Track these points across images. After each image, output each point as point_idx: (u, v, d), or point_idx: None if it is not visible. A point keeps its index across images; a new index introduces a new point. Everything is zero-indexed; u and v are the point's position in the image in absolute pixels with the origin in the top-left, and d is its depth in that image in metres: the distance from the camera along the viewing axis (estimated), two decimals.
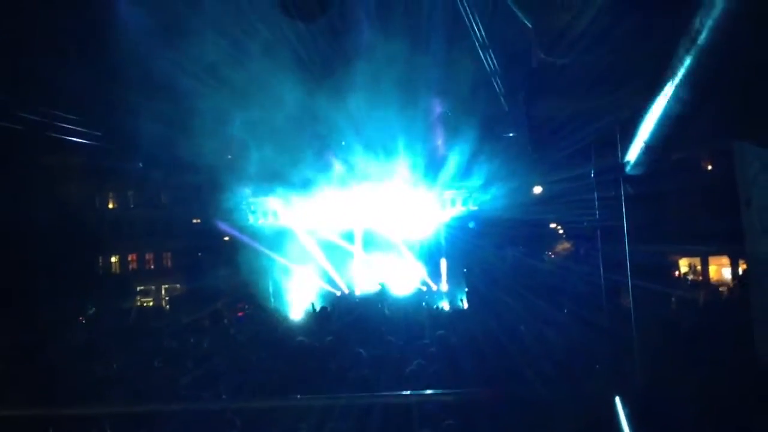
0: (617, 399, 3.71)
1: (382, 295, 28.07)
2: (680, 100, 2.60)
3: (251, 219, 29.21)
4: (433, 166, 27.20)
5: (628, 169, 2.51)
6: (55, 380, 11.09)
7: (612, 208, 4.92)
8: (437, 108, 26.46)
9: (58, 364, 13.52)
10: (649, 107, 2.64)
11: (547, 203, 26.25)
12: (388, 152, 26.42)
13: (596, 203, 4.95)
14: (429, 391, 6.44)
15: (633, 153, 2.44)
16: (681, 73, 2.63)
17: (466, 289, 24.47)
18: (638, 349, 2.52)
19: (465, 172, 27.55)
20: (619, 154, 2.59)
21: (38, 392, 9.95)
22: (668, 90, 2.67)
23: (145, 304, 38.30)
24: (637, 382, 3.65)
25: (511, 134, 26.38)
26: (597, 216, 4.96)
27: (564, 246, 31.15)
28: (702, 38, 2.37)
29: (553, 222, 31.15)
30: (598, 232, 5.04)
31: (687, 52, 2.45)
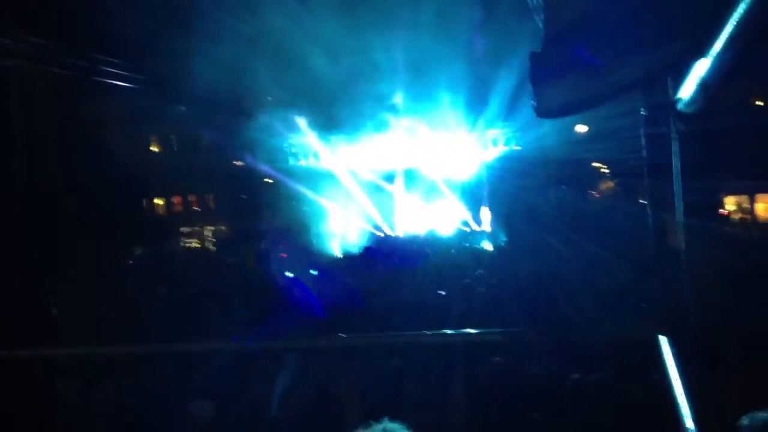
0: (664, 339, 3.65)
1: (424, 237, 28.16)
2: (741, 35, 2.46)
3: (292, 161, 29.28)
4: (475, 105, 26.75)
5: (680, 105, 2.39)
6: (106, 321, 11.40)
7: (661, 145, 4.76)
8: (480, 44, 25.87)
9: (108, 306, 13.90)
10: (709, 40, 2.50)
11: (591, 142, 25.76)
12: (430, 91, 26.04)
13: (644, 140, 4.79)
14: (472, 330, 6.44)
15: (686, 90, 2.32)
16: (743, 7, 2.49)
17: (509, 230, 24.33)
18: (689, 288, 2.45)
19: (508, 112, 27.07)
20: (670, 91, 2.46)
21: (92, 333, 10.24)
22: (730, 24, 2.53)
23: (190, 246, 38.99)
24: (685, 322, 3.59)
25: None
26: (644, 153, 4.81)
27: (608, 185, 30.70)
28: None
29: (597, 161, 30.62)
30: (645, 169, 4.89)
31: None
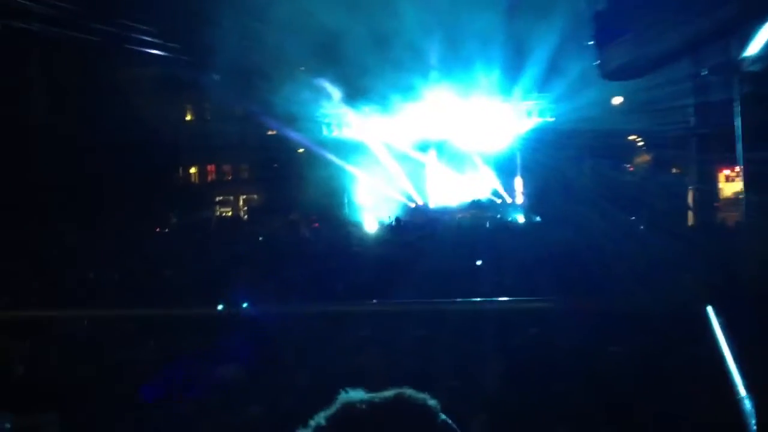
0: (711, 309, 3.51)
1: (456, 208, 28.03)
2: None
3: (326, 131, 29.19)
4: (510, 77, 26.36)
5: (745, 66, 2.23)
6: (142, 286, 11.52)
7: (712, 113, 4.55)
8: (515, 15, 25.36)
9: (143, 271, 14.06)
10: None
11: (628, 113, 25.28)
12: (465, 63, 25.69)
13: (693, 109, 4.55)
14: (505, 299, 6.31)
15: (754, 47, 2.14)
16: None
17: (543, 202, 24.06)
18: (742, 259, 2.33)
19: (543, 83, 26.64)
20: (734, 52, 2.29)
21: (129, 297, 10.35)
22: None
23: (223, 214, 39.28)
24: (736, 292, 3.45)
25: (591, 42, 25.16)
26: (692, 122, 4.58)
27: (644, 158, 30.17)
28: None
29: (634, 133, 30.06)
30: (694, 139, 4.66)
31: None
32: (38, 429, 2.30)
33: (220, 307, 5.69)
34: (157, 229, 26.57)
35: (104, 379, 5.49)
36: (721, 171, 22.62)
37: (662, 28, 2.41)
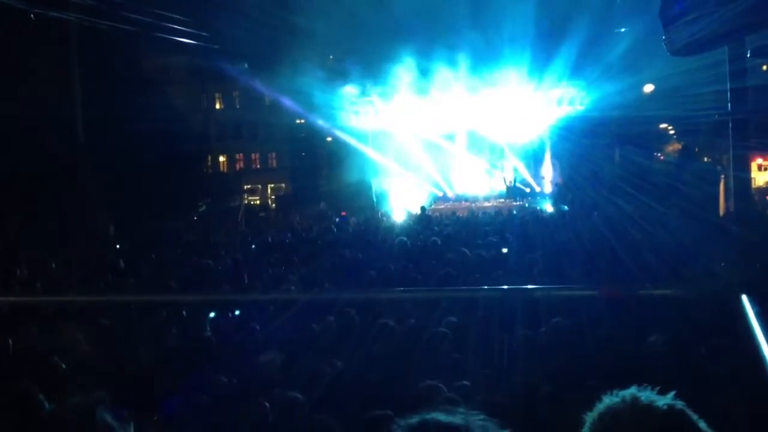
0: (746, 298, 3.45)
1: (483, 197, 27.90)
2: None
3: (354, 120, 29.16)
4: (540, 65, 26.10)
5: None
6: (171, 272, 11.65)
7: (750, 97, 4.47)
8: (545, 3, 25.06)
9: (174, 257, 14.22)
10: None
11: (659, 100, 24.94)
12: (494, 50, 25.48)
13: (728, 94, 4.44)
14: (532, 287, 6.27)
15: None
16: None
17: (573, 190, 23.85)
18: None
19: (573, 71, 26.36)
20: None
21: (160, 284, 10.47)
22: None
23: (252, 203, 39.52)
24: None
25: (623, 29, 24.90)
26: (729, 108, 4.48)
27: (674, 146, 29.79)
28: None
29: (665, 121, 29.66)
30: (730, 125, 4.56)
31: None
32: (92, 407, 2.33)
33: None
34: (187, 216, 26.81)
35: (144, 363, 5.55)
36: (754, 160, 22.24)
37: (720, 9, 2.40)
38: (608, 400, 1.64)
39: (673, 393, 1.61)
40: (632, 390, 1.63)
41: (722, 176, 14.74)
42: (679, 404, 1.59)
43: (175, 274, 11.04)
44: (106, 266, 12.37)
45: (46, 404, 3.28)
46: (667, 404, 1.59)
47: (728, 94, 4.28)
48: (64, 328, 6.24)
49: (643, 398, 1.62)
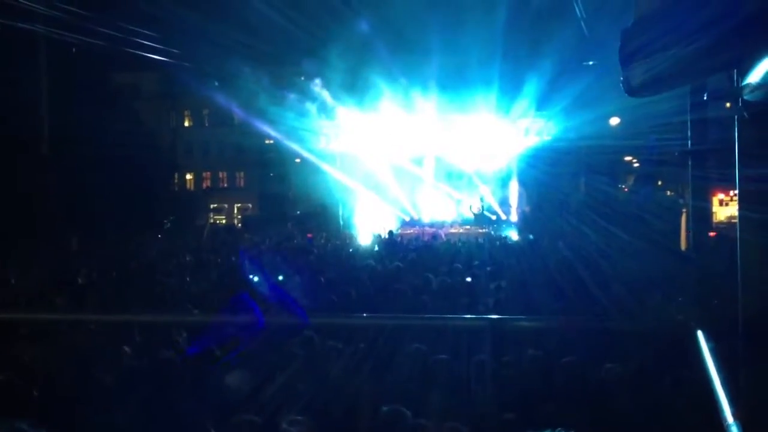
0: (701, 332, 3.51)
1: (450, 223, 28.05)
2: None
3: (323, 142, 29.22)
4: (507, 95, 26.50)
5: (745, 93, 2.25)
6: (133, 289, 11.46)
7: (707, 131, 4.57)
8: (514, 35, 25.49)
9: (137, 275, 13.99)
10: None
11: (624, 132, 25.45)
12: (463, 81, 25.81)
13: (689, 126, 4.57)
14: (497, 317, 6.29)
15: (756, 75, 2.18)
16: None
17: (539, 218, 24.11)
18: (736, 281, 2.33)
19: (540, 102, 26.82)
20: (735, 78, 2.32)
21: (121, 300, 10.30)
22: None
23: (218, 222, 39.26)
24: (726, 315, 3.44)
25: (590, 62, 25.37)
26: (689, 142, 4.60)
27: (638, 177, 30.29)
28: None
29: (628, 152, 30.19)
30: (689, 158, 4.67)
31: None
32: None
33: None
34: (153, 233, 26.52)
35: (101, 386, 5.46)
36: (715, 194, 22.68)
37: (680, 55, 2.47)
38: None
39: None
40: None
41: (683, 209, 15.03)
42: None
43: (135, 292, 10.86)
44: (65, 281, 12.12)
45: None
46: None
47: (689, 126, 4.40)
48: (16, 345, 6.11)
49: None
